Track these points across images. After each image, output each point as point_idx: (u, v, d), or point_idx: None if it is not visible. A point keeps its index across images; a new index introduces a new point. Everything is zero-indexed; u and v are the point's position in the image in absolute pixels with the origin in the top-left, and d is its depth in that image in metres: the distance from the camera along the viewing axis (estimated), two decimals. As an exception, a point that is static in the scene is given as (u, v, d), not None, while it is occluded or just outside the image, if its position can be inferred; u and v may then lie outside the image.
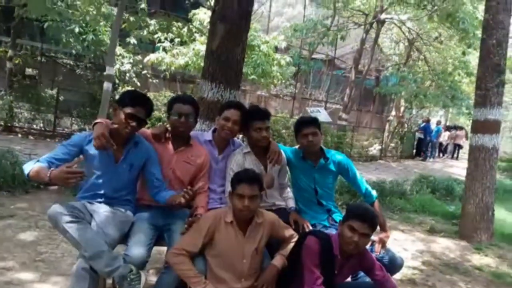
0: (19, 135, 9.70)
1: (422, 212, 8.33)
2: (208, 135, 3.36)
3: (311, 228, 3.26)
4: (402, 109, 21.47)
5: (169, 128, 3.14)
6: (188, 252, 2.58)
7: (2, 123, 9.81)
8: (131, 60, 11.07)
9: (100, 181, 2.80)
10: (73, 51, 11.73)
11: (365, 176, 11.36)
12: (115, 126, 2.72)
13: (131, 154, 2.86)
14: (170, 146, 3.10)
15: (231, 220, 2.66)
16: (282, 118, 14.29)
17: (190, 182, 3.14)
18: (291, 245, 2.85)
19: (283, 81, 15.15)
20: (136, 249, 2.56)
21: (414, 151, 21.33)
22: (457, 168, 17.80)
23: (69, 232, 2.42)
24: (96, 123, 2.77)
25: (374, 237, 3.07)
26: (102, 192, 2.81)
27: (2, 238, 4.12)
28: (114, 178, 2.82)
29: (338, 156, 3.53)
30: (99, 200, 2.78)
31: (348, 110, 16.45)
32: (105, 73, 6.62)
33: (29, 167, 2.49)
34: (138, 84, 11.27)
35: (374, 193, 3.54)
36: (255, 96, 17.39)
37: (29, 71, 12.30)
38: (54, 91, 10.41)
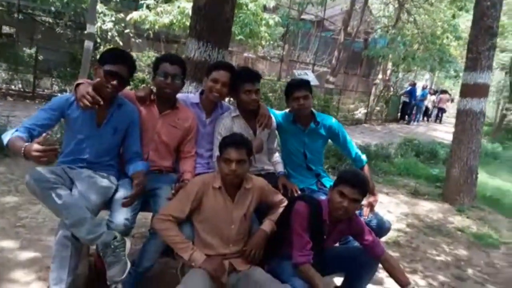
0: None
1: (407, 175, 8.45)
2: (195, 98, 3.22)
3: (299, 192, 3.22)
4: (388, 72, 21.40)
5: (154, 90, 2.98)
6: (175, 218, 2.52)
7: (-22, 84, 9.44)
8: (113, 18, 10.60)
9: (83, 145, 2.68)
10: (52, 8, 11.21)
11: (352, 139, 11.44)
12: (96, 83, 2.55)
13: (115, 117, 2.72)
14: (155, 109, 2.96)
15: (219, 186, 2.58)
16: (270, 81, 14.10)
17: (177, 147, 3.04)
18: (280, 210, 2.81)
19: (271, 42, 14.83)
20: (120, 215, 2.48)
21: (399, 114, 21.47)
22: (441, 132, 18.04)
23: (48, 198, 2.31)
24: (78, 84, 2.61)
25: (363, 202, 3.05)
26: (84, 157, 2.69)
27: (-18, 203, 4.01)
28: (96, 142, 2.70)
29: (329, 120, 3.46)
30: (81, 165, 2.67)
31: (335, 73, 16.30)
32: (85, 31, 6.30)
33: (7, 137, 2.33)
34: (121, 43, 10.86)
35: (364, 157, 3.50)
36: (242, 58, 17.02)
37: (6, 29, 11.73)
38: (33, 50, 9.95)
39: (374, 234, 2.77)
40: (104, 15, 10.37)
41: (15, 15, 11.00)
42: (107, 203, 2.62)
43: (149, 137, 2.94)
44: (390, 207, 6.23)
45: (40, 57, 9.98)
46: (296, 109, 3.31)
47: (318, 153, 3.49)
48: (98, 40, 10.06)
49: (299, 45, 20.29)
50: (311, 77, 16.13)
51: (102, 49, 9.87)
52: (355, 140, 11.82)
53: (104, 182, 2.65)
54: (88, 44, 6.09)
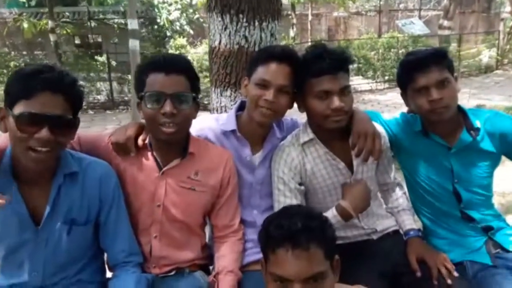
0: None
1: None
2: (229, 120, 1.74)
3: (456, 274, 1.61)
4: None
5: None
6: None
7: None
8: (179, 6, 9.50)
9: (16, 261, 1.44)
10: (121, 8, 10.59)
11: (486, 98, 8.87)
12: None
13: (65, 197, 1.41)
14: (151, 161, 1.58)
15: None
16: (369, 39, 11.94)
17: (200, 223, 1.64)
18: None
19: (363, -7, 12.61)
20: None
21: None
22: None
23: None
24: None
25: None
26: (22, 280, 1.43)
27: None
28: (40, 253, 1.42)
29: (501, 120, 1.73)
30: None
31: (450, 15, 13.34)
32: (128, 27, 5.18)
33: None
34: (192, 32, 9.78)
35: None
36: (332, 19, 14.96)
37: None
38: (104, 58, 9.39)
39: None
40: (169, 4, 9.32)
41: (88, 23, 10.60)
42: None
43: (146, 214, 1.59)
44: None
45: (113, 63, 9.37)
46: (426, 110, 1.65)
47: (481, 187, 1.78)
48: (168, 33, 9.06)
49: (398, -10, 17.41)
50: (419, 25, 13.64)
51: (172, 43, 8.87)
52: (491, 96, 9.23)
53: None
54: (133, 43, 4.94)
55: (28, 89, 1.25)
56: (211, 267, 1.75)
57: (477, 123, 1.71)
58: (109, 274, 1.62)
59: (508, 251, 1.71)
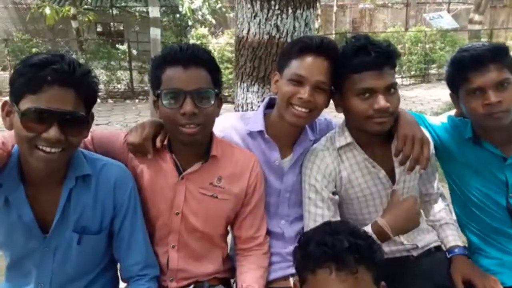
0: (98, 100, 8.95)
1: None
2: (256, 120, 1.58)
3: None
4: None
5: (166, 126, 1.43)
6: None
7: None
8: (202, -6, 9.36)
9: (23, 270, 1.32)
10: (143, -5, 10.50)
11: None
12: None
13: (77, 202, 1.28)
14: (170, 164, 1.42)
15: None
16: (396, 33, 11.56)
17: (221, 234, 1.49)
18: None
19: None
20: None
21: None
22: None
23: None
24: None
25: None
26: (31, 288, 1.31)
27: None
28: (48, 263, 1.30)
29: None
30: None
31: (482, 9, 12.82)
32: (150, 15, 5.04)
33: None
34: (214, 22, 9.61)
35: None
36: (358, 11, 14.58)
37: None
38: (125, 46, 9.32)
39: None
40: (191, -8, 9.19)
41: (110, 11, 10.54)
42: None
43: (163, 223, 1.44)
44: None
45: (134, 52, 9.29)
46: (481, 114, 1.45)
47: (541, 202, 1.58)
48: (189, 23, 8.92)
49: (427, -18, 16.82)
50: (447, 19, 13.19)
51: (194, 32, 8.72)
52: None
53: None
54: (154, 32, 4.80)
55: (34, 82, 1.11)
56: (232, 280, 1.61)
57: (539, 131, 1.50)
58: (122, 285, 1.49)
59: None
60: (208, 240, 1.47)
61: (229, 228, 1.58)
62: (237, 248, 1.54)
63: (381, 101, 1.37)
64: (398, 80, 11.45)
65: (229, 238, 1.65)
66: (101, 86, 9.22)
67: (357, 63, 1.40)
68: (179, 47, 1.34)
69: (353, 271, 0.95)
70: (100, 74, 9.15)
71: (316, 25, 13.87)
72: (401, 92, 10.17)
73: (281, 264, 1.52)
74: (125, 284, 1.46)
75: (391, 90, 1.41)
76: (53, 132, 1.11)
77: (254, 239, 1.50)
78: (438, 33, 12.17)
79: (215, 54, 8.93)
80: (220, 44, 9.07)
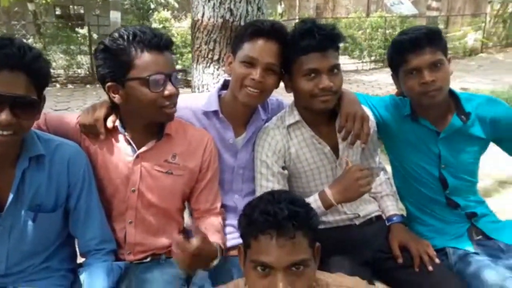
0: (58, 85, 8.68)
1: None
2: (211, 100, 1.66)
3: (437, 261, 1.58)
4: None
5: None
6: None
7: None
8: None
9: None
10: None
11: (471, 81, 8.87)
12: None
13: (31, 181, 1.32)
14: (124, 143, 1.48)
15: None
16: (357, 18, 11.77)
17: (178, 208, 1.57)
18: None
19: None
20: None
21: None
22: None
23: None
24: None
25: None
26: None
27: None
28: (4, 241, 1.33)
29: (492, 105, 1.68)
30: None
31: (439, -4, 13.24)
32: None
33: None
34: (176, 5, 9.47)
35: None
36: (320, -3, 14.72)
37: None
38: (86, 30, 9.04)
39: None
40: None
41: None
42: None
43: (120, 200, 1.50)
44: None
45: (95, 36, 9.04)
46: (417, 92, 1.59)
47: (468, 173, 1.74)
48: (152, 5, 8.76)
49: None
50: (407, 6, 13.51)
51: (156, 16, 8.57)
52: (475, 80, 9.25)
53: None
54: (115, 15, 4.72)
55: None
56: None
57: (468, 108, 1.66)
58: (79, 260, 1.54)
59: (490, 238, 1.70)
60: (165, 215, 1.55)
61: (186, 204, 1.67)
62: (194, 217, 1.63)
63: (325, 81, 1.48)
64: (359, 65, 11.75)
65: (186, 214, 1.73)
66: (61, 71, 8.95)
67: (304, 45, 1.50)
68: (153, 33, 1.38)
69: (291, 237, 1.05)
70: (59, 58, 8.88)
71: (280, 10, 13.95)
72: (361, 76, 10.42)
73: (234, 234, 1.62)
74: (83, 259, 1.51)
75: (334, 70, 1.52)
76: (4, 116, 1.13)
77: (211, 211, 1.59)
78: (398, 19, 12.50)
79: (178, 38, 8.88)
80: (183, 28, 8.97)
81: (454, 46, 13.72)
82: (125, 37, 1.36)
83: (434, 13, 13.42)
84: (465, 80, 8.73)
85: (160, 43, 1.36)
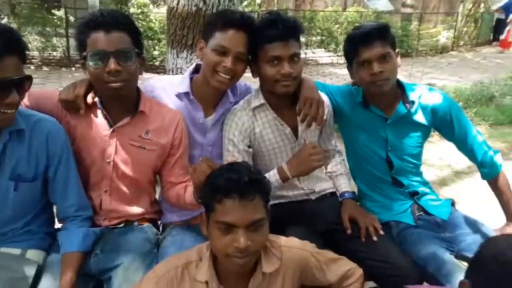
0: (32, 67, 8.57)
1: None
2: (183, 82, 1.81)
3: (382, 232, 1.79)
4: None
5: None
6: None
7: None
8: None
9: None
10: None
11: (439, 78, 9.19)
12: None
13: (12, 153, 1.45)
14: (101, 118, 1.63)
15: (205, 280, 1.27)
16: (334, 12, 11.99)
17: (149, 180, 1.73)
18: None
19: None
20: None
21: (492, 35, 17.94)
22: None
23: None
24: None
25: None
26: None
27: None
28: None
29: (433, 96, 1.89)
30: None
31: (414, -6, 13.59)
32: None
33: None
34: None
35: (498, 159, 1.92)
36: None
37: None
38: (62, 12, 8.92)
39: None
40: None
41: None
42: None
43: (97, 170, 1.65)
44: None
45: (71, 18, 8.94)
46: (367, 82, 1.78)
47: (412, 156, 1.96)
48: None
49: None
50: (383, 2, 13.74)
51: (134, 0, 8.53)
52: (441, 77, 9.63)
53: (12, 267, 1.43)
54: (92, -1, 4.78)
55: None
56: (159, 222, 1.86)
57: (412, 97, 1.87)
58: (57, 225, 1.68)
59: (429, 214, 1.92)
60: (137, 186, 1.70)
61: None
62: (166, 189, 1.77)
63: (286, 68, 1.66)
64: (334, 59, 11.98)
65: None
66: (36, 53, 8.82)
67: (269, 34, 1.66)
68: (100, 13, 1.52)
69: (251, 199, 1.22)
70: (34, 40, 8.76)
71: (258, 1, 14.01)
72: (336, 70, 10.59)
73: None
74: (60, 225, 1.65)
75: (295, 58, 1.69)
76: (15, 97, 1.28)
77: (182, 183, 1.73)
78: (373, 15, 12.77)
79: (157, 24, 8.88)
80: (162, 14, 8.96)
81: (426, 43, 14.14)
82: (86, 19, 1.52)
83: (408, 10, 13.78)
84: (433, 76, 9.06)
85: (104, 22, 1.48)
